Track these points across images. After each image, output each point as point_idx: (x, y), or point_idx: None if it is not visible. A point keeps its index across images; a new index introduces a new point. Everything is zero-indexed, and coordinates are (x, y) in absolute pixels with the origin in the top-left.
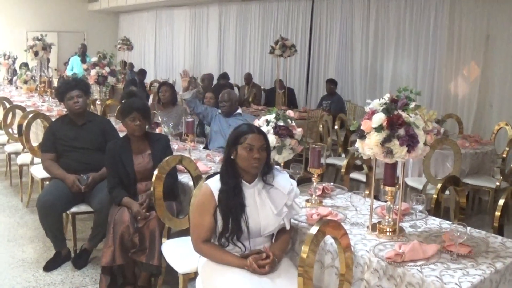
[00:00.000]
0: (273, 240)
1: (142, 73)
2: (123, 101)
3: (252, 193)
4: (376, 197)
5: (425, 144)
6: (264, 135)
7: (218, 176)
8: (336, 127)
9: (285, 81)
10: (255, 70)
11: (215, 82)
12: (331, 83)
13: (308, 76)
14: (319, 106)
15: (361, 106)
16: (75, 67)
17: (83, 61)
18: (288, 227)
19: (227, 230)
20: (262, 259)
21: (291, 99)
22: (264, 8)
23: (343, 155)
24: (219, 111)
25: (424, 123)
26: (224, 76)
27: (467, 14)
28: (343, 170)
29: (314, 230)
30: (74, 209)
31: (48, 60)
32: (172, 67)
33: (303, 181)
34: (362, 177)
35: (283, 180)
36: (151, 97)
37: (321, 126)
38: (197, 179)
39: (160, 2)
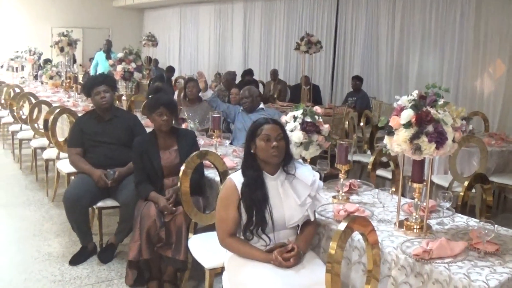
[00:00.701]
0: (298, 233)
1: (170, 70)
2: (149, 96)
3: (275, 184)
4: (402, 194)
5: (453, 141)
6: (280, 125)
7: (240, 170)
8: (361, 123)
9: (310, 77)
10: (280, 66)
11: (239, 79)
12: (357, 80)
13: (333, 73)
14: (345, 102)
15: (387, 103)
16: (100, 63)
17: (108, 57)
18: (312, 219)
19: (251, 222)
20: (287, 251)
21: (316, 95)
22: (289, 4)
23: (368, 152)
24: (242, 108)
25: (452, 120)
26: (249, 73)
27: (493, 11)
28: (369, 166)
29: (342, 226)
30: (100, 204)
31: (74, 56)
32: (197, 64)
33: (329, 178)
34: (388, 174)
35: (306, 172)
36: (176, 93)
37: (347, 123)
38: (224, 174)
39: None
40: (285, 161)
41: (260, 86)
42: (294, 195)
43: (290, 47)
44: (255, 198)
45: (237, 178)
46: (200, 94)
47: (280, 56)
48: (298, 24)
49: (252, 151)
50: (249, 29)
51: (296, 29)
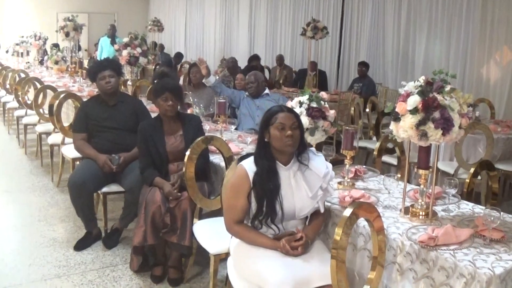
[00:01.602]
0: (307, 223)
1: (179, 56)
2: (155, 81)
3: (287, 175)
4: (407, 181)
5: (460, 127)
6: (295, 114)
7: (252, 158)
8: (367, 110)
9: (317, 63)
10: (286, 52)
11: (246, 64)
12: (363, 66)
13: (339, 59)
14: (350, 88)
15: (393, 89)
16: (104, 48)
17: (113, 42)
18: (322, 210)
19: (261, 212)
20: (295, 240)
21: (322, 81)
22: None
23: (374, 138)
24: (247, 93)
25: (459, 106)
26: (255, 58)
27: None
28: (375, 153)
29: (347, 212)
30: (105, 189)
31: (79, 41)
32: (202, 49)
33: (334, 163)
34: (393, 160)
35: (319, 163)
36: (181, 78)
37: (353, 109)
38: (229, 160)
39: None
40: (299, 151)
41: (266, 71)
42: (306, 187)
43: (296, 33)
44: (266, 188)
45: (249, 166)
46: (203, 80)
47: (286, 41)
48: (305, 9)
49: (265, 139)
50: (255, 14)
51: (302, 14)
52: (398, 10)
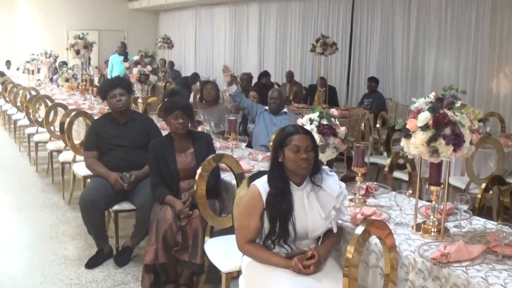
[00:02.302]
0: (319, 242)
1: (195, 76)
2: (165, 99)
3: (300, 195)
4: (418, 197)
5: (470, 143)
6: (310, 135)
7: (265, 178)
8: (378, 125)
9: (326, 79)
10: (296, 68)
11: (255, 80)
12: (373, 81)
13: (349, 74)
14: (361, 104)
15: (403, 104)
16: (115, 65)
17: (125, 59)
18: (335, 230)
19: (274, 233)
20: (307, 259)
21: (332, 97)
22: (305, 6)
23: (385, 154)
24: (266, 107)
25: (470, 122)
26: (265, 74)
27: (509, 11)
28: (386, 169)
29: (359, 230)
30: (116, 207)
31: (89, 59)
32: (212, 65)
33: (345, 180)
34: (404, 176)
35: (332, 183)
36: (191, 95)
37: (363, 124)
38: (240, 177)
39: (200, 1)
40: (312, 172)
41: (276, 87)
42: (319, 208)
43: (306, 49)
44: (280, 209)
45: (262, 186)
46: (224, 88)
47: (296, 57)
48: (314, 25)
49: (279, 160)
50: (265, 31)
51: (312, 30)
52: (407, 25)
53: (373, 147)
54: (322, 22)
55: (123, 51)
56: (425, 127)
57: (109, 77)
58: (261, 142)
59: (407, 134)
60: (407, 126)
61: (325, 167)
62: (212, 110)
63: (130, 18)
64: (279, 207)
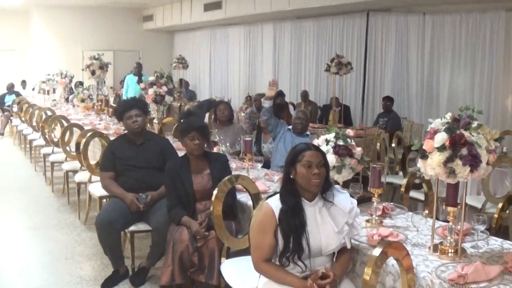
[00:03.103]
0: (334, 260)
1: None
2: (181, 120)
3: (312, 211)
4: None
5: (487, 163)
6: (321, 152)
7: (278, 195)
8: (393, 144)
9: (341, 98)
10: (310, 87)
11: None
12: (388, 100)
13: (363, 93)
14: (376, 123)
15: (418, 123)
16: (130, 86)
17: (139, 80)
18: (349, 246)
19: (288, 249)
20: (323, 279)
21: (347, 116)
22: (319, 25)
23: (400, 173)
24: (289, 127)
25: (486, 143)
26: (280, 95)
27: None
28: (402, 189)
29: (377, 251)
30: (132, 228)
31: (104, 79)
32: (227, 85)
33: (362, 201)
34: (420, 196)
35: (344, 199)
36: (206, 115)
37: (379, 144)
38: (256, 198)
39: (215, 21)
40: (324, 188)
41: (291, 107)
42: (332, 223)
43: (320, 68)
44: (292, 225)
45: (274, 204)
46: (263, 99)
47: (311, 77)
48: (328, 44)
49: (291, 176)
50: (279, 50)
51: (326, 49)
52: (422, 44)
53: (389, 167)
54: (337, 41)
55: (138, 72)
56: (442, 148)
57: (124, 97)
58: (279, 162)
59: (424, 155)
60: (423, 147)
61: (336, 186)
62: (227, 130)
63: (145, 38)
64: (292, 222)
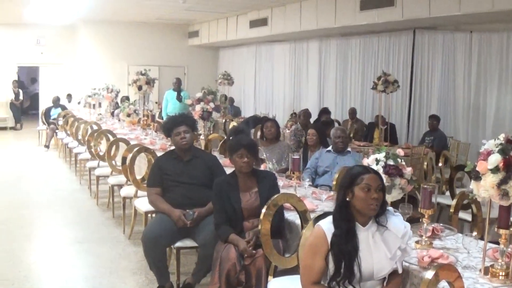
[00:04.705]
0: (385, 284)
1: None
2: (230, 137)
3: (366, 236)
4: (481, 238)
5: None
6: (379, 175)
7: (330, 218)
8: (440, 164)
9: (386, 116)
10: (356, 104)
11: (314, 117)
12: (434, 119)
13: (409, 111)
14: (422, 142)
15: (464, 142)
16: (169, 101)
17: (179, 98)
18: (400, 271)
19: (339, 274)
20: None
21: (393, 135)
22: (365, 43)
23: (447, 193)
24: (329, 148)
25: None
26: (325, 112)
27: None
28: (451, 210)
29: (429, 274)
30: (178, 244)
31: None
32: (272, 102)
33: (410, 221)
34: (467, 216)
35: (397, 223)
36: (251, 132)
37: (426, 163)
38: (304, 217)
39: (260, 38)
40: (378, 213)
41: (336, 125)
42: (385, 248)
43: (366, 85)
44: (345, 250)
45: (326, 226)
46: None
47: (356, 94)
48: (374, 62)
49: (347, 199)
50: (325, 67)
51: (372, 67)
52: (468, 62)
53: None
54: (383, 59)
55: (178, 87)
56: (495, 170)
57: (163, 113)
58: (322, 181)
59: (477, 177)
60: (477, 168)
61: (389, 208)
62: (273, 147)
63: (190, 54)
64: (345, 247)
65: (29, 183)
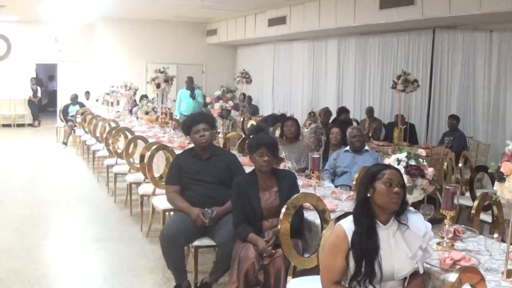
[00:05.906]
0: (406, 284)
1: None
2: (250, 136)
3: (386, 234)
4: (503, 240)
5: None
6: (400, 172)
7: (351, 217)
8: (460, 164)
9: (406, 115)
10: (375, 104)
11: (333, 115)
12: (454, 119)
13: (428, 111)
14: (441, 142)
15: (484, 143)
16: (182, 100)
17: (193, 95)
18: (421, 271)
19: (359, 273)
20: None
21: (412, 134)
22: (384, 42)
23: (467, 194)
24: (346, 148)
25: None
26: (343, 111)
27: None
28: (473, 211)
29: (453, 277)
30: (197, 243)
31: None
32: (290, 101)
33: (432, 222)
34: (487, 218)
35: (418, 222)
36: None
37: (445, 163)
38: (324, 217)
39: (279, 36)
40: (398, 210)
41: (355, 124)
42: (406, 247)
43: (385, 85)
44: (366, 249)
45: (347, 226)
46: None
47: (375, 93)
48: (393, 61)
49: (368, 195)
50: (343, 66)
51: (391, 66)
52: (488, 62)
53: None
54: (402, 58)
55: (190, 86)
56: None
57: (177, 111)
58: (341, 181)
59: (501, 178)
60: (501, 170)
61: (410, 208)
62: (293, 146)
63: (208, 53)
64: (365, 246)
65: (47, 180)
